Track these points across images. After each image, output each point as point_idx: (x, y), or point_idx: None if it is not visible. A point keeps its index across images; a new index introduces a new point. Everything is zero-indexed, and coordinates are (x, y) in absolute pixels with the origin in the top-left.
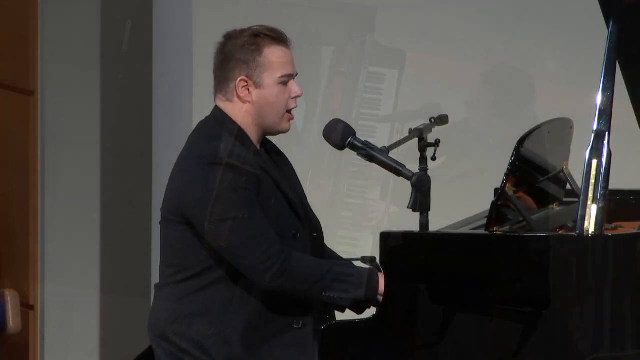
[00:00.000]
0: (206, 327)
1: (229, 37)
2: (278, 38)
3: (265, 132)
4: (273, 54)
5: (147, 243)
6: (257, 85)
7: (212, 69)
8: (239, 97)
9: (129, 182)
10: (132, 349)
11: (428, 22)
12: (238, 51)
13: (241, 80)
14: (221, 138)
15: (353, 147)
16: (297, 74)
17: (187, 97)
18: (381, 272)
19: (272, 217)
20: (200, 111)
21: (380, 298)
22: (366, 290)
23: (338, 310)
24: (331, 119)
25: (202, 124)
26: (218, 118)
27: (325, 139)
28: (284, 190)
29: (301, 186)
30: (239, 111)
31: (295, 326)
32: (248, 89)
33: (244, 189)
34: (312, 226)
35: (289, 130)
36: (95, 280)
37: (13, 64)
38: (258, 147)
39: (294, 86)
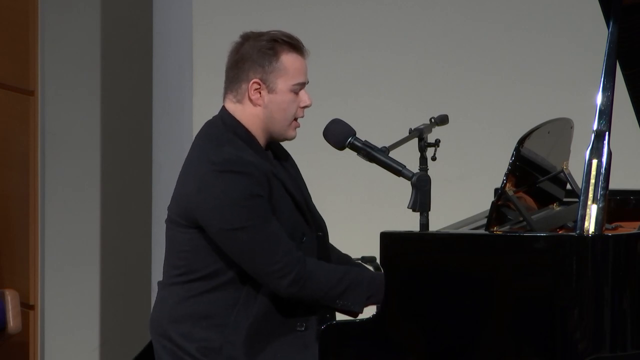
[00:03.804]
0: (210, 329)
1: (247, 38)
2: (296, 46)
3: (272, 138)
4: (289, 60)
5: (147, 243)
6: (270, 90)
7: (222, 68)
8: (250, 99)
9: (129, 182)
10: (132, 349)
11: (427, 22)
12: (255, 53)
13: (254, 82)
14: (231, 143)
15: (353, 147)
16: (308, 82)
17: (187, 97)
18: (381, 272)
19: (281, 221)
20: (200, 111)
21: None
22: (378, 297)
23: (350, 316)
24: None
25: (209, 126)
26: (225, 120)
27: (326, 139)
28: (292, 192)
29: (306, 187)
30: (249, 114)
31: (298, 328)
32: (260, 92)
33: (257, 195)
34: (317, 226)
35: (294, 137)
36: (95, 280)
37: (13, 64)
38: (265, 150)
39: (304, 96)
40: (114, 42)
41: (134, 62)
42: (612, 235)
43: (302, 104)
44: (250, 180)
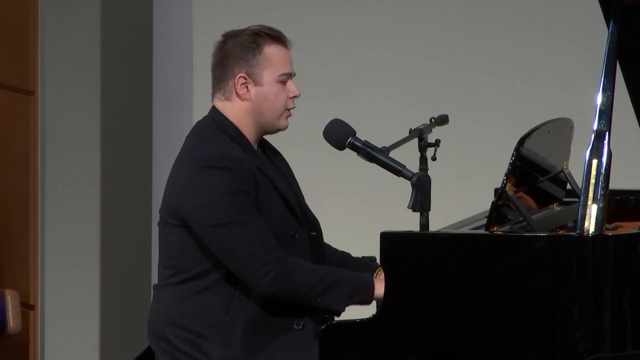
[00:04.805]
0: (205, 329)
1: (229, 36)
2: (277, 37)
3: (264, 131)
4: (272, 52)
5: (147, 243)
6: (257, 83)
7: (211, 67)
8: (237, 94)
9: (129, 182)
10: (132, 349)
11: (427, 22)
12: (238, 49)
13: (240, 77)
14: (218, 140)
15: (353, 147)
16: (295, 74)
17: (187, 97)
18: (381, 272)
19: (270, 219)
20: (200, 111)
21: (377, 301)
22: (360, 297)
23: (334, 315)
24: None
25: (199, 124)
26: (215, 119)
27: (326, 139)
28: (282, 191)
29: (298, 186)
30: (238, 110)
31: (295, 327)
32: (247, 87)
33: (242, 192)
34: (310, 226)
35: (287, 127)
36: (95, 280)
37: (13, 64)
38: (255, 147)
39: (292, 86)
40: (114, 42)
41: (134, 62)
42: (612, 235)
43: (291, 95)
44: (235, 176)
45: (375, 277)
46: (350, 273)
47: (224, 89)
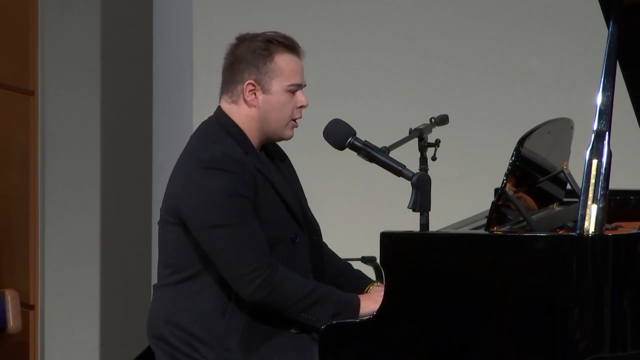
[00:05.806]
0: (203, 331)
1: (242, 40)
2: (290, 46)
3: (267, 138)
4: (284, 61)
5: (147, 243)
6: (265, 91)
7: (221, 69)
8: (245, 100)
9: (129, 182)
10: (132, 349)
11: (427, 22)
12: (250, 54)
13: (249, 83)
14: (221, 142)
15: (353, 147)
16: (305, 85)
17: (187, 97)
18: (381, 272)
19: (269, 222)
20: (200, 111)
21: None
22: (344, 317)
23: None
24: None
25: (204, 125)
26: (220, 120)
27: (326, 139)
28: (283, 195)
29: (302, 189)
30: (244, 115)
31: (293, 331)
32: (255, 94)
33: (239, 195)
34: (311, 230)
35: (291, 137)
36: (95, 280)
37: (13, 64)
38: (258, 150)
39: (301, 96)
40: (114, 42)
41: (134, 62)
42: (612, 235)
43: (299, 104)
44: (234, 178)
45: (366, 291)
46: (337, 292)
47: (231, 92)
